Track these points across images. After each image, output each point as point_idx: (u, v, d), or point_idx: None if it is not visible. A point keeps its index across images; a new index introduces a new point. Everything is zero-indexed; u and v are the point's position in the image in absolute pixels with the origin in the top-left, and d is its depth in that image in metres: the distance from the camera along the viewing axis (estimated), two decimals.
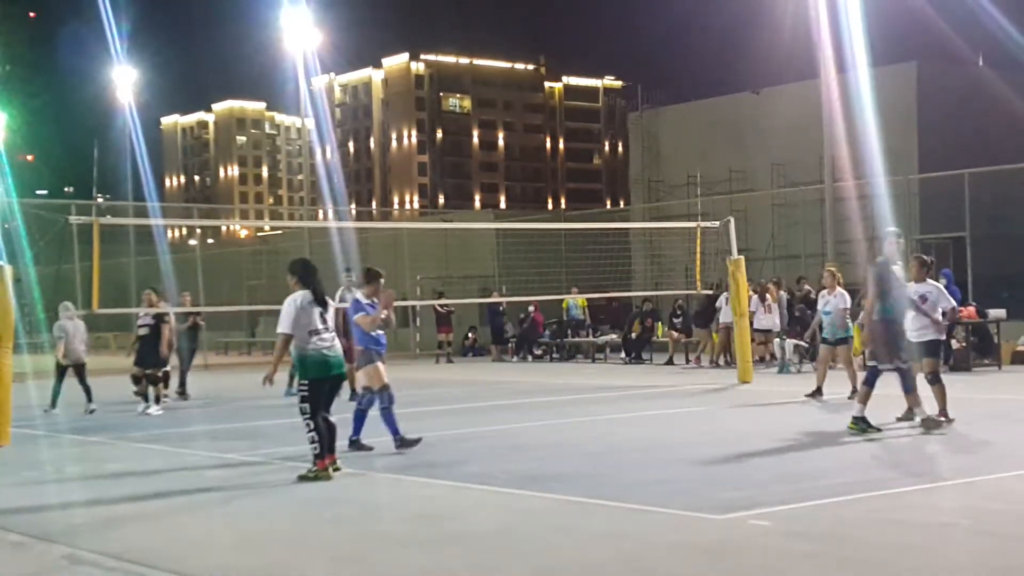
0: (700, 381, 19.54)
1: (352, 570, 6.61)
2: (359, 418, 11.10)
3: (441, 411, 15.29)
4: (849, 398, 15.20)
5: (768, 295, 21.56)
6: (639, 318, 26.01)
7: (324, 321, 9.64)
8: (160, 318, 16.42)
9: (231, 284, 38.01)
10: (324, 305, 9.66)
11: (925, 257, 12.84)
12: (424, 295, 30.72)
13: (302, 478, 9.36)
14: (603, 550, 6.75)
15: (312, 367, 9.53)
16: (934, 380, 12.04)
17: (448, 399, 17.25)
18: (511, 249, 30.73)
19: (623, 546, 6.82)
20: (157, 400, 16.20)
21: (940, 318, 12.12)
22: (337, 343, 9.77)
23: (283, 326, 9.53)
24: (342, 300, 16.12)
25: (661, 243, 31.39)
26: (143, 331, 16.48)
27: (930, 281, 12.42)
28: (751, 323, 21.76)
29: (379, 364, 10.96)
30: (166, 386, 17.28)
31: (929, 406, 11.69)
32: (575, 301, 27.55)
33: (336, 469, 9.58)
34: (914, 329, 12.19)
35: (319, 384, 9.55)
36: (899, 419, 12.25)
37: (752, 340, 22.25)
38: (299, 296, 9.67)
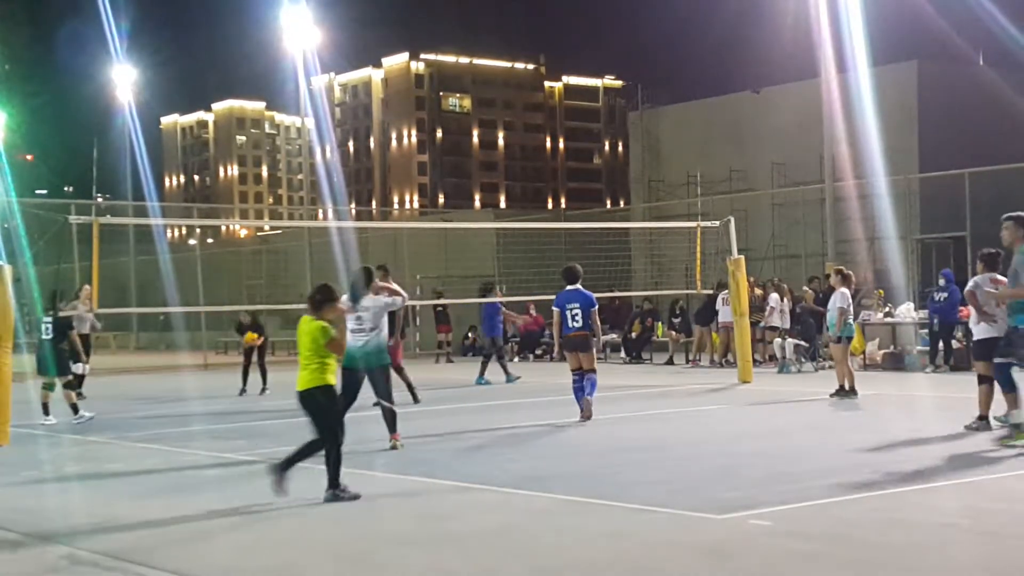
0: (700, 381, 19.54)
1: (353, 570, 6.61)
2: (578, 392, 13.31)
3: (441, 411, 15.28)
4: (832, 395, 15.22)
5: (784, 295, 21.67)
6: (639, 318, 25.99)
7: (358, 320, 10.75)
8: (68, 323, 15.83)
9: (231, 284, 38.00)
10: (354, 301, 10.78)
11: (987, 251, 11.98)
12: (424, 295, 30.71)
13: None
14: (603, 550, 6.75)
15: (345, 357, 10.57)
16: (979, 380, 11.55)
17: (448, 399, 17.24)
18: (511, 249, 30.69)
19: (623, 546, 6.82)
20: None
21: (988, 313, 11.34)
22: (373, 339, 10.78)
23: None
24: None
25: (661, 243, 31.37)
26: (50, 336, 15.28)
27: (983, 275, 11.67)
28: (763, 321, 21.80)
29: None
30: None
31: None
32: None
33: (394, 447, 10.90)
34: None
35: (347, 371, 10.59)
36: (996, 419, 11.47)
37: (761, 339, 22.26)
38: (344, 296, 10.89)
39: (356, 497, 8.44)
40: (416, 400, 15.83)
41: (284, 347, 32.47)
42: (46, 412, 15.02)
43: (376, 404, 15.25)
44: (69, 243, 27.65)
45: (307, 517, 8.02)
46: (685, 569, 6.29)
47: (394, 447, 10.94)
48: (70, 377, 15.42)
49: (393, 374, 15.74)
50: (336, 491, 8.43)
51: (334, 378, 8.65)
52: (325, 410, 8.49)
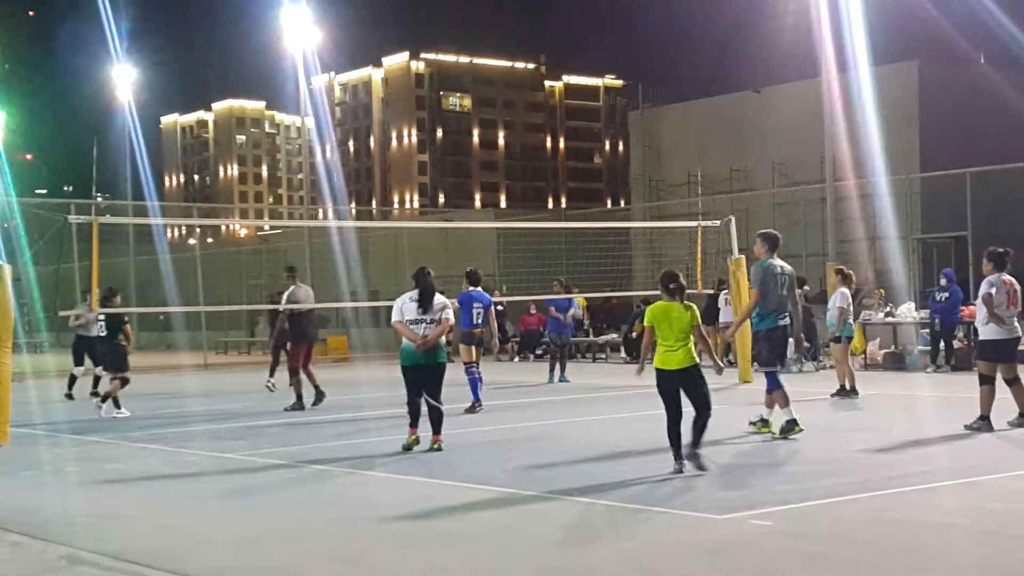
0: None
1: (352, 570, 6.60)
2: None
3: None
4: (833, 395, 15.23)
5: None
6: (640, 318, 25.95)
7: (424, 313, 11.00)
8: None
9: (230, 283, 38.00)
10: (424, 303, 11.04)
11: (996, 250, 11.85)
12: None
13: (404, 447, 10.94)
14: (603, 550, 6.74)
15: (402, 355, 11.10)
16: (981, 381, 11.47)
17: (447, 399, 17.19)
18: (511, 248, 30.70)
19: (623, 546, 6.81)
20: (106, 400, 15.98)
21: (995, 313, 11.34)
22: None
23: (393, 317, 11.27)
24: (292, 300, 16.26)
25: (662, 242, 31.37)
26: (105, 333, 15.87)
27: (995, 276, 11.59)
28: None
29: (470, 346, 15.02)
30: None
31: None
32: (576, 301, 27.48)
33: (438, 449, 10.85)
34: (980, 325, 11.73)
35: (409, 370, 11.02)
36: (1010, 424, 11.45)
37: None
38: (405, 294, 11.27)
39: (704, 469, 9.05)
40: (296, 408, 15.62)
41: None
42: (117, 405, 15.54)
43: (287, 409, 15.48)
44: (69, 243, 27.61)
45: (306, 517, 8.01)
46: (685, 569, 6.28)
47: (438, 448, 10.88)
48: (123, 374, 15.79)
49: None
50: (698, 453, 9.15)
51: None
52: (702, 384, 9.29)
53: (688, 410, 9.31)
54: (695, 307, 9.36)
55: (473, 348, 15.07)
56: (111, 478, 10.17)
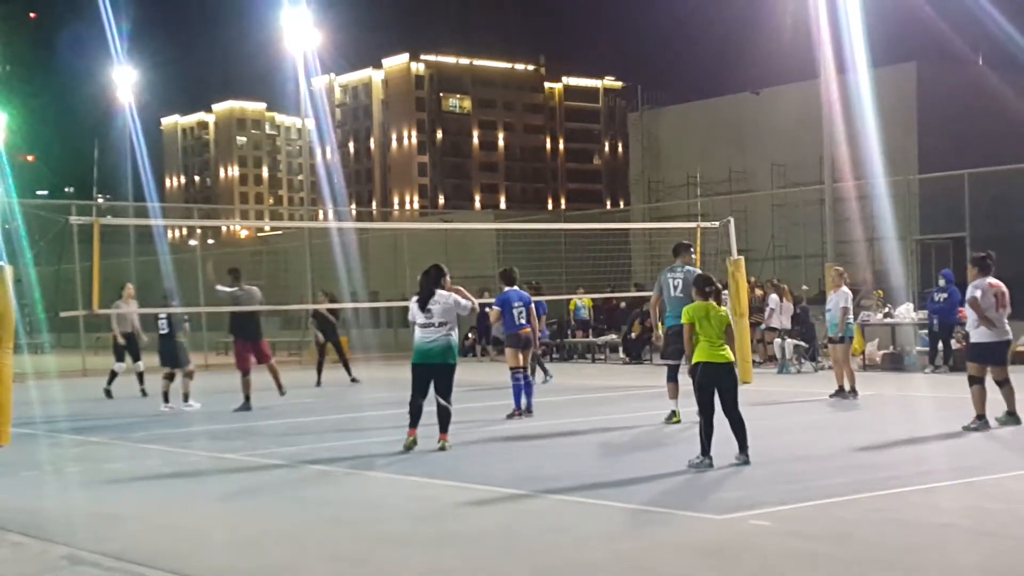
0: None
1: (352, 570, 6.61)
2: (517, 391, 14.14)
3: None
4: (832, 395, 15.24)
5: (784, 295, 21.62)
6: (639, 318, 25.97)
7: (428, 316, 10.96)
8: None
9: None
10: (421, 303, 11.02)
11: (979, 255, 11.98)
12: None
13: (404, 448, 10.98)
14: (603, 550, 6.75)
15: (414, 353, 11.15)
16: (971, 382, 11.61)
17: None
18: (511, 250, 30.67)
19: (623, 546, 6.82)
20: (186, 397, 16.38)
21: (986, 316, 11.45)
22: (441, 337, 10.95)
23: (409, 317, 11.42)
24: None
25: (661, 243, 31.37)
26: (166, 331, 16.50)
27: (981, 280, 11.67)
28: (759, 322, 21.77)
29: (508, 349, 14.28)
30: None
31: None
32: (582, 302, 27.52)
33: (443, 448, 10.88)
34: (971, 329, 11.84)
35: (415, 368, 11.09)
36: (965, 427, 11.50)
37: (761, 340, 22.25)
38: (415, 295, 11.33)
39: (747, 462, 9.37)
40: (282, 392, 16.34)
41: (285, 347, 32.47)
42: (186, 399, 16.24)
43: (236, 410, 15.63)
44: (70, 244, 27.60)
45: (306, 517, 8.02)
46: (685, 569, 6.29)
47: (443, 447, 10.91)
48: (189, 368, 16.57)
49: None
50: (747, 455, 9.48)
51: None
52: (736, 385, 9.73)
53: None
54: (726, 309, 9.72)
55: (520, 352, 14.06)
56: (111, 478, 10.18)
